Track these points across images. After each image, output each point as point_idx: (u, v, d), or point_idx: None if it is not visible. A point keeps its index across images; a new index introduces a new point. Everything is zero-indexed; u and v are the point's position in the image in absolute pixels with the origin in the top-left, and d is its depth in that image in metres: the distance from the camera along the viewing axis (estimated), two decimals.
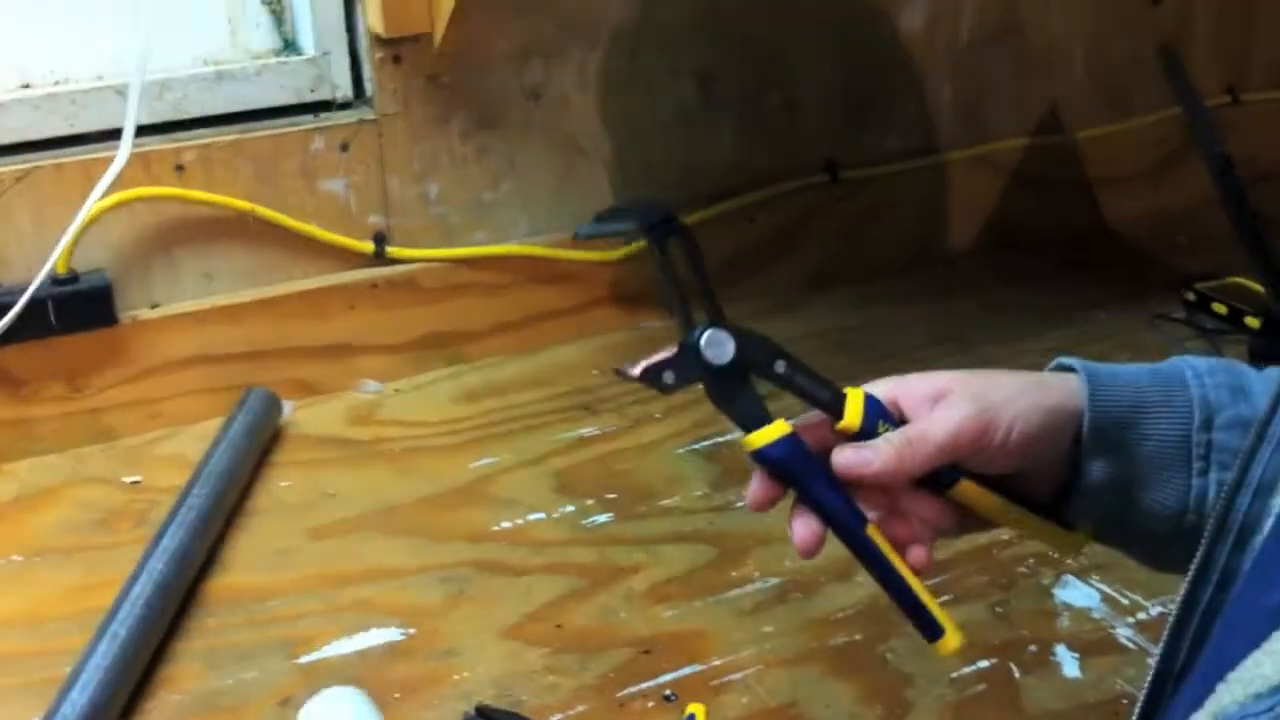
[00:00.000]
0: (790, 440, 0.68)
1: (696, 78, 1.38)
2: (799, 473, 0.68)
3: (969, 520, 0.72)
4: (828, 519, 0.68)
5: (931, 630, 0.71)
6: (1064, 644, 0.95)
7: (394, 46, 1.21)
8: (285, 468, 1.17)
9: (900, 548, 0.70)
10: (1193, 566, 0.59)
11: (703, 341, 0.66)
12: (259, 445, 1.17)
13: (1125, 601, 0.98)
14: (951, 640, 0.71)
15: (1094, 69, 1.59)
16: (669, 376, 0.66)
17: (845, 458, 0.68)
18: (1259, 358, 1.32)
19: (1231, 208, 1.16)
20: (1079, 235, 1.63)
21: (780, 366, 0.68)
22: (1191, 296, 1.44)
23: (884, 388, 0.71)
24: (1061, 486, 0.73)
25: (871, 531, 0.69)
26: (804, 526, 0.69)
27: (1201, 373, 0.72)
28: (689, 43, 1.36)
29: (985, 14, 1.50)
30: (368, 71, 1.23)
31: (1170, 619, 0.60)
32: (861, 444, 0.68)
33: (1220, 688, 0.46)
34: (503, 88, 1.28)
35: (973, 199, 1.57)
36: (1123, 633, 0.96)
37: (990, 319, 1.43)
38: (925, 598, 0.70)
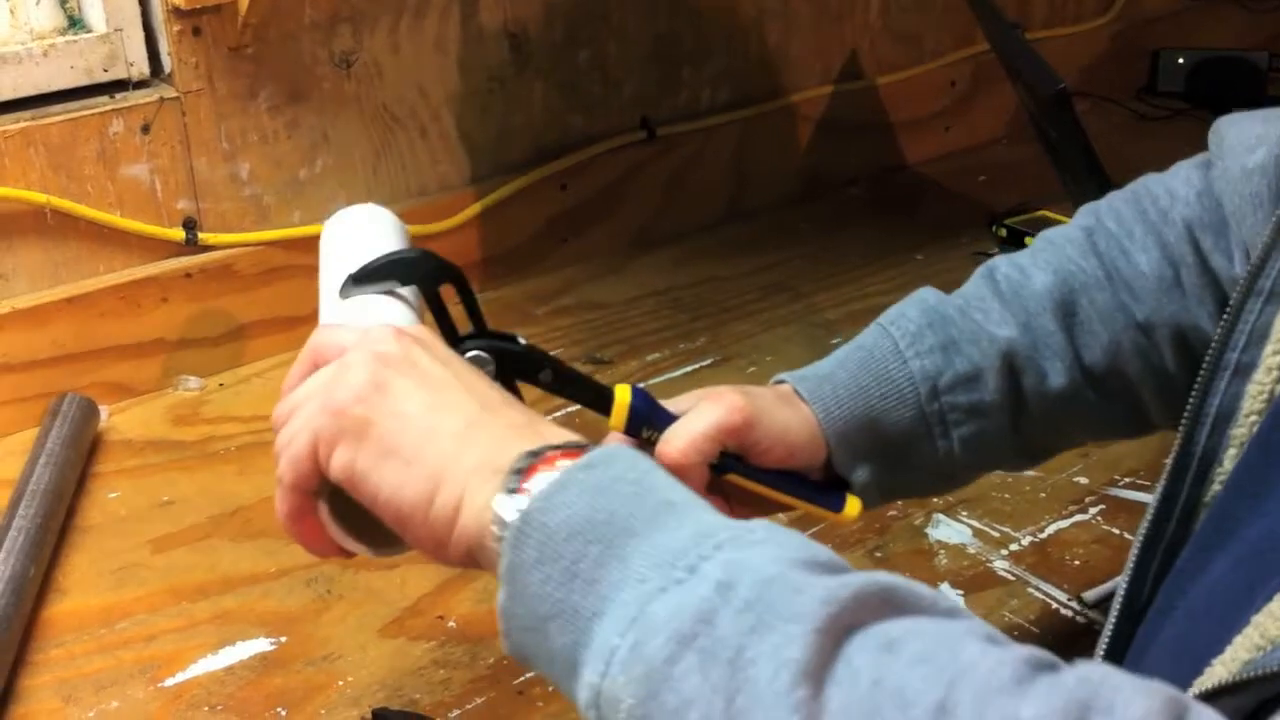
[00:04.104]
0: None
1: (507, 39, 1.33)
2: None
3: (740, 509, 0.73)
4: None
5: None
6: (946, 582, 0.96)
7: (193, 18, 1.13)
8: (111, 478, 1.09)
9: None
10: (1153, 502, 0.60)
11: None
12: (80, 456, 1.08)
13: (996, 534, 1.00)
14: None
15: (888, 16, 1.62)
16: None
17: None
18: None
19: (1062, 141, 1.19)
20: (885, 180, 1.66)
21: (546, 376, 0.70)
22: (1003, 232, 1.47)
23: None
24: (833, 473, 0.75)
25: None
26: None
27: (911, 335, 0.74)
28: (497, 3, 1.31)
29: None
30: (165, 46, 1.15)
31: (1133, 555, 0.61)
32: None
33: (1259, 619, 0.46)
34: (311, 57, 1.21)
35: (781, 149, 1.58)
36: (999, 565, 0.97)
37: (813, 267, 1.44)
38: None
